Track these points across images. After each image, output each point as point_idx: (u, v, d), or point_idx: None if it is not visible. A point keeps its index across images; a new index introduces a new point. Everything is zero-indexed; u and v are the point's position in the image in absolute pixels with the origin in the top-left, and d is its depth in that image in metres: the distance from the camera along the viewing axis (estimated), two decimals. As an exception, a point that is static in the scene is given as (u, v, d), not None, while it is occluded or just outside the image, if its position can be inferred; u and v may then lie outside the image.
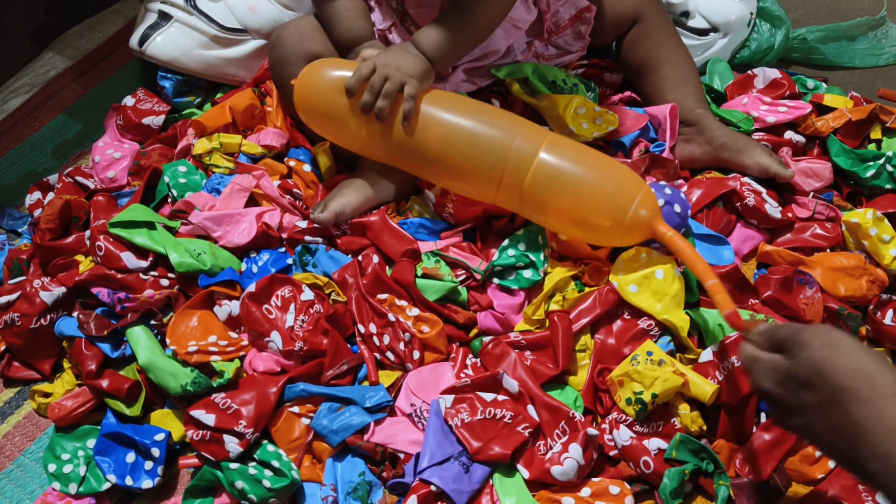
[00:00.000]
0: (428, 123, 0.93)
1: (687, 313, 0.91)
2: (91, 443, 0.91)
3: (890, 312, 0.92)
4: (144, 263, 0.98)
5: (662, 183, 0.98)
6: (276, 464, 0.85)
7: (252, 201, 1.05)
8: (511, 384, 0.86)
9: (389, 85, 0.91)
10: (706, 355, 0.87)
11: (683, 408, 0.86)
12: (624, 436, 0.85)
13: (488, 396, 0.86)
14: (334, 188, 1.03)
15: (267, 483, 0.83)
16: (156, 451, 0.87)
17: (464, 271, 0.96)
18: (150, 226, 1.00)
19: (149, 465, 0.87)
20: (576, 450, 0.81)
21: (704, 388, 0.84)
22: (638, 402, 0.84)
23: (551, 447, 0.84)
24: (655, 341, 0.90)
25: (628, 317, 0.92)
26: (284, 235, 1.02)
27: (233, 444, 0.85)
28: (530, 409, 0.85)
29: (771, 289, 0.93)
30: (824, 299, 0.93)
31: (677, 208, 0.93)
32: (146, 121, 1.18)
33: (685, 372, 0.85)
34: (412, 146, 0.93)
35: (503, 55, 1.09)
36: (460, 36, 0.97)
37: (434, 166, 0.94)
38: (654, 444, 0.84)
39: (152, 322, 0.95)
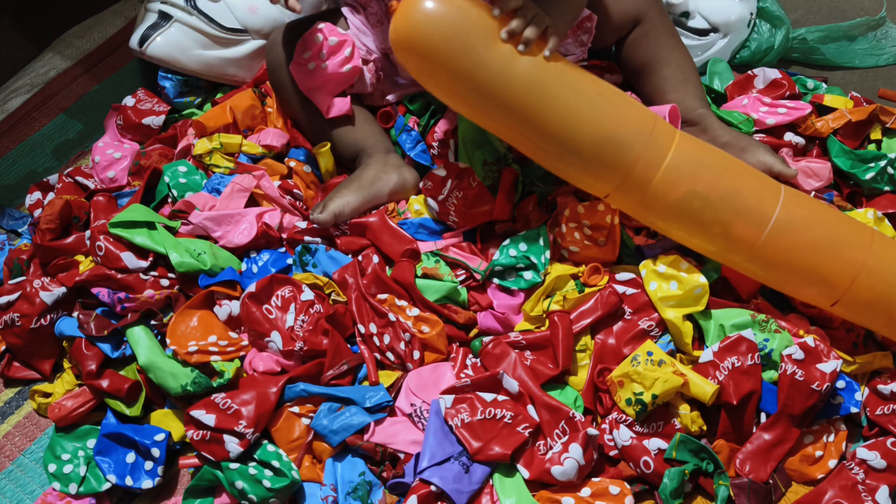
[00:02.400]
0: (559, 85, 0.84)
1: (689, 316, 0.91)
2: (91, 443, 0.91)
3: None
4: (144, 263, 0.98)
5: None
6: (276, 464, 0.85)
7: (252, 201, 1.05)
8: (511, 384, 0.86)
9: (539, 20, 0.85)
10: (706, 355, 0.87)
11: (683, 408, 0.86)
12: (624, 436, 0.85)
13: (488, 396, 0.86)
14: (333, 189, 1.03)
15: (267, 483, 0.83)
16: (156, 451, 0.87)
17: (464, 271, 0.96)
18: (151, 226, 1.00)
19: (149, 465, 0.87)
20: (576, 450, 0.81)
21: (704, 388, 0.84)
22: (638, 402, 0.84)
23: (551, 447, 0.84)
24: (656, 341, 0.90)
25: (629, 317, 0.92)
26: (284, 235, 1.02)
27: (233, 444, 0.85)
28: (530, 409, 0.85)
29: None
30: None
31: None
32: (146, 121, 1.18)
33: (685, 372, 0.85)
34: (533, 105, 0.84)
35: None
36: (566, 12, 0.95)
37: (544, 132, 0.84)
38: (654, 444, 0.84)
39: (152, 322, 0.95)
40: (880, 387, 0.87)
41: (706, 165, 0.86)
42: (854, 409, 0.86)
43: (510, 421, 0.84)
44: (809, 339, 0.86)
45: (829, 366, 0.84)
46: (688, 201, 0.85)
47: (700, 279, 0.90)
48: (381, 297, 0.94)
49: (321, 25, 1.05)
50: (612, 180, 0.87)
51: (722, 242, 0.87)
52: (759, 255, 0.86)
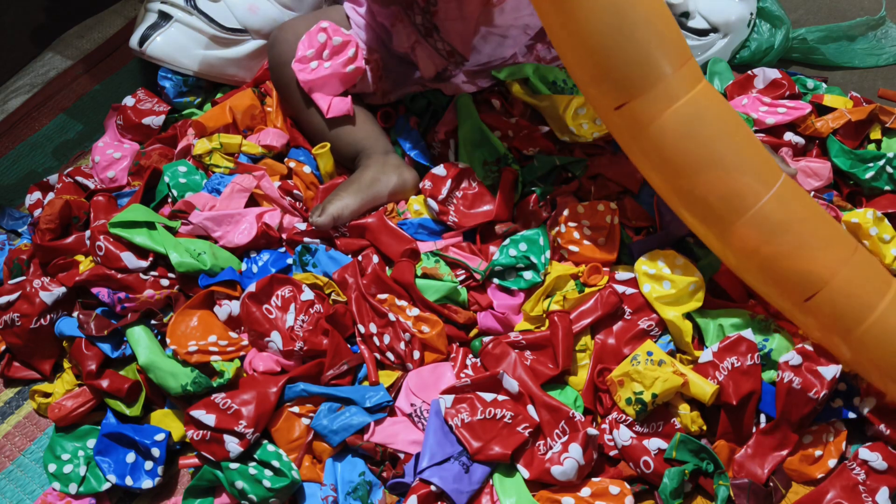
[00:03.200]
0: None
1: (689, 316, 0.91)
2: (91, 443, 0.90)
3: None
4: (144, 263, 0.98)
5: None
6: (276, 464, 0.85)
7: (252, 201, 1.05)
8: (511, 384, 0.86)
9: None
10: (706, 355, 0.87)
11: (683, 408, 0.86)
12: (624, 436, 0.85)
13: (488, 396, 0.86)
14: (332, 190, 1.03)
15: (267, 483, 0.83)
16: (156, 451, 0.87)
17: (464, 271, 0.96)
18: (151, 226, 1.00)
19: (149, 465, 0.87)
20: (576, 450, 0.81)
21: (704, 388, 0.84)
22: (638, 402, 0.84)
23: (551, 447, 0.84)
24: (655, 341, 0.90)
25: (629, 317, 0.92)
26: (284, 236, 1.02)
27: (233, 444, 0.85)
28: (530, 409, 0.85)
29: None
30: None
31: None
32: (146, 121, 1.18)
33: (685, 372, 0.85)
34: None
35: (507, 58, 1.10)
36: None
37: (584, 17, 0.78)
38: (654, 444, 0.84)
39: (152, 322, 0.95)
40: (866, 410, 0.86)
41: (714, 123, 0.81)
42: (852, 416, 0.86)
43: (510, 421, 0.84)
44: (808, 344, 0.86)
45: (828, 371, 0.84)
46: (673, 153, 0.81)
47: (695, 275, 0.90)
48: (381, 296, 0.94)
49: (325, 24, 1.05)
50: (622, 95, 0.81)
51: (697, 212, 0.84)
52: (730, 240, 0.83)
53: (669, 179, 0.84)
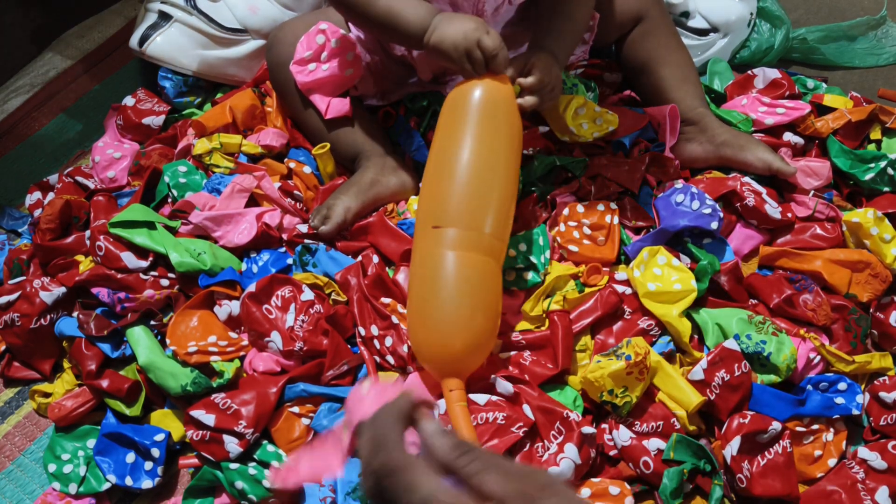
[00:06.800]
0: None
1: (688, 315, 0.91)
2: (91, 443, 0.91)
3: (894, 313, 0.92)
4: (144, 263, 0.98)
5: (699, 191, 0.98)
6: (276, 464, 0.85)
7: (252, 201, 1.05)
8: (505, 387, 0.85)
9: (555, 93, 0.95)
10: (697, 373, 0.86)
11: (681, 408, 0.86)
12: (623, 436, 0.85)
13: (481, 399, 0.85)
14: (333, 193, 1.02)
15: (267, 483, 0.82)
16: (156, 452, 0.87)
17: (464, 271, 0.96)
18: (151, 226, 1.00)
19: (149, 465, 0.87)
20: (571, 450, 0.81)
21: (690, 396, 0.84)
22: (612, 403, 0.84)
23: (548, 448, 0.83)
24: (655, 342, 0.90)
25: (629, 317, 0.92)
26: (285, 236, 1.02)
27: (233, 445, 0.85)
28: (526, 408, 0.85)
29: (771, 303, 0.93)
30: (832, 297, 0.93)
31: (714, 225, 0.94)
32: (146, 121, 1.18)
33: (676, 377, 0.85)
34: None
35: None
36: (572, 38, 1.01)
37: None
38: (654, 444, 0.84)
39: (152, 322, 0.95)
40: (882, 394, 0.87)
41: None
42: (855, 412, 0.86)
43: (503, 422, 0.84)
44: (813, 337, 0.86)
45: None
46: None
47: (681, 275, 0.90)
48: (385, 300, 0.93)
49: (324, 26, 1.05)
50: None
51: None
52: None
53: None
